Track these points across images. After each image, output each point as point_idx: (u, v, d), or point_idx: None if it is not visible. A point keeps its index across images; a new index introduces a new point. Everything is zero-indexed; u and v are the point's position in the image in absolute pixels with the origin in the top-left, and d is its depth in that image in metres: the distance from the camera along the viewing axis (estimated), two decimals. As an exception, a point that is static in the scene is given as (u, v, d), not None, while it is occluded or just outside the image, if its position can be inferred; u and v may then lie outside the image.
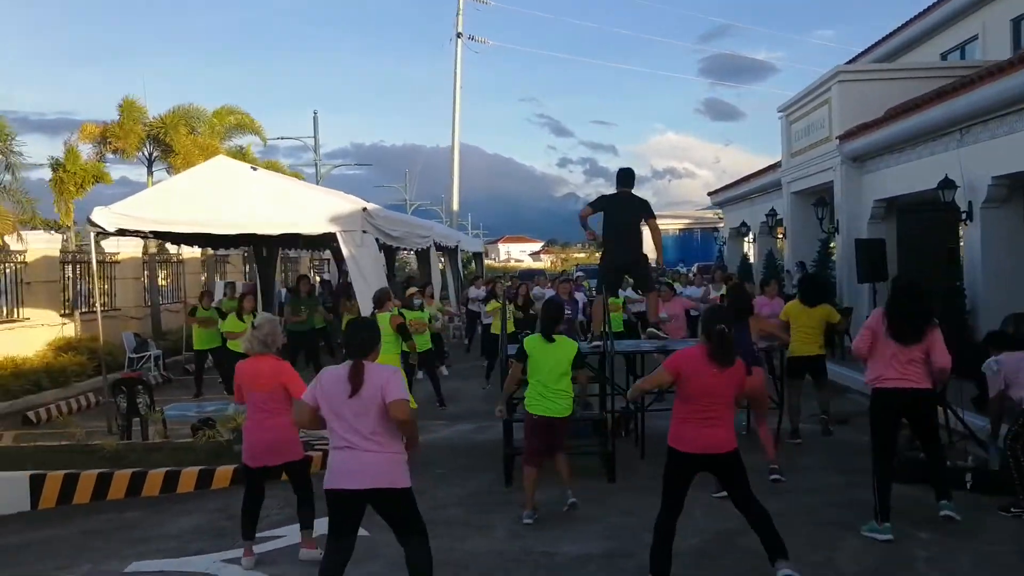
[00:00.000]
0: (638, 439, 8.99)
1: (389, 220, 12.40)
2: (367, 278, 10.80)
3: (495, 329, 14.10)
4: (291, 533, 6.55)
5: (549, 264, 76.53)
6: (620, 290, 14.38)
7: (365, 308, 10.55)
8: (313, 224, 10.84)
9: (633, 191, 9.24)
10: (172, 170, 20.00)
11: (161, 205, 10.82)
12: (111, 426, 10.79)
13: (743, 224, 25.04)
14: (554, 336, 7.01)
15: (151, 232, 11.47)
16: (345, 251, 10.83)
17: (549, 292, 16.98)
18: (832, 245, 17.56)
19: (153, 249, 19.96)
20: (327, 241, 13.79)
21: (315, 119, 38.68)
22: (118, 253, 19.03)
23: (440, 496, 7.49)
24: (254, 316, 12.34)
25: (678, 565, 5.35)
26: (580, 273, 31.09)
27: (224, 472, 8.28)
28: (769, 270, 20.86)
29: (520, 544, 6.23)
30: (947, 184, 11.73)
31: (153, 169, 20.40)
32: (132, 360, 15.89)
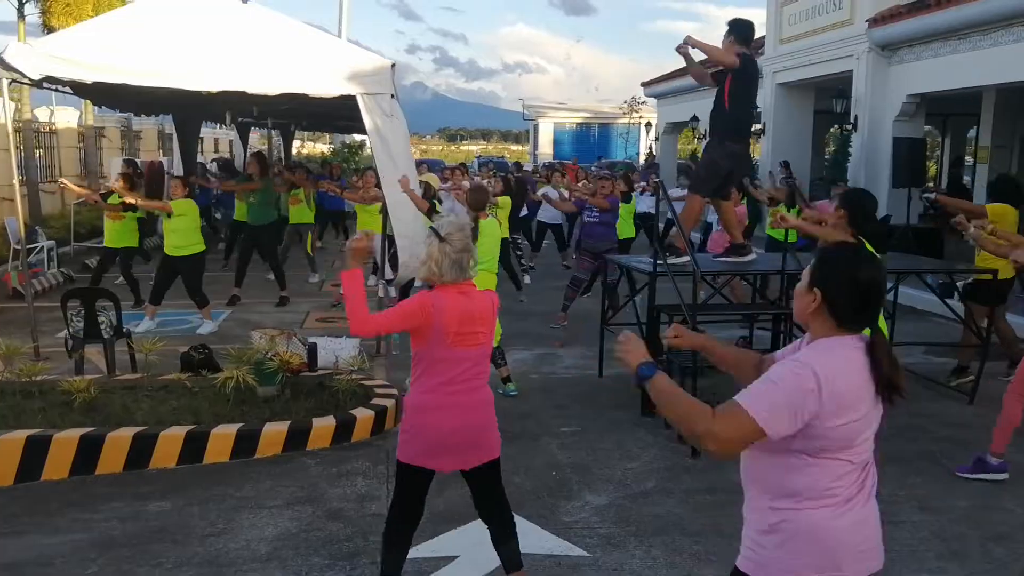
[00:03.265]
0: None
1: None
2: (396, 160, 8.15)
3: None
4: (457, 548, 4.24)
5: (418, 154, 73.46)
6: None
7: (396, 202, 8.06)
8: (326, 83, 7.98)
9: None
10: (49, 16, 15.98)
11: (109, 46, 7.68)
12: (38, 350, 7.95)
13: (694, 118, 23.19)
14: None
15: (91, 83, 8.25)
16: (369, 122, 8.08)
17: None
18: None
19: (28, 115, 16.12)
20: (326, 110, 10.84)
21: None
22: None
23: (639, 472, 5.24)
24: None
25: None
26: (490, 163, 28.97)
27: (274, 433, 5.74)
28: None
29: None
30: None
31: (25, 14, 16.24)
32: (19, 253, 12.53)
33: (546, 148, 42.09)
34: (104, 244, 10.65)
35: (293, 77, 8.00)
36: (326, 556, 4.28)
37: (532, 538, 4.46)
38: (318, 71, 8.02)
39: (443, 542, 4.41)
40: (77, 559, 4.29)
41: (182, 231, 9.19)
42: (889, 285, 8.50)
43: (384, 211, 8.63)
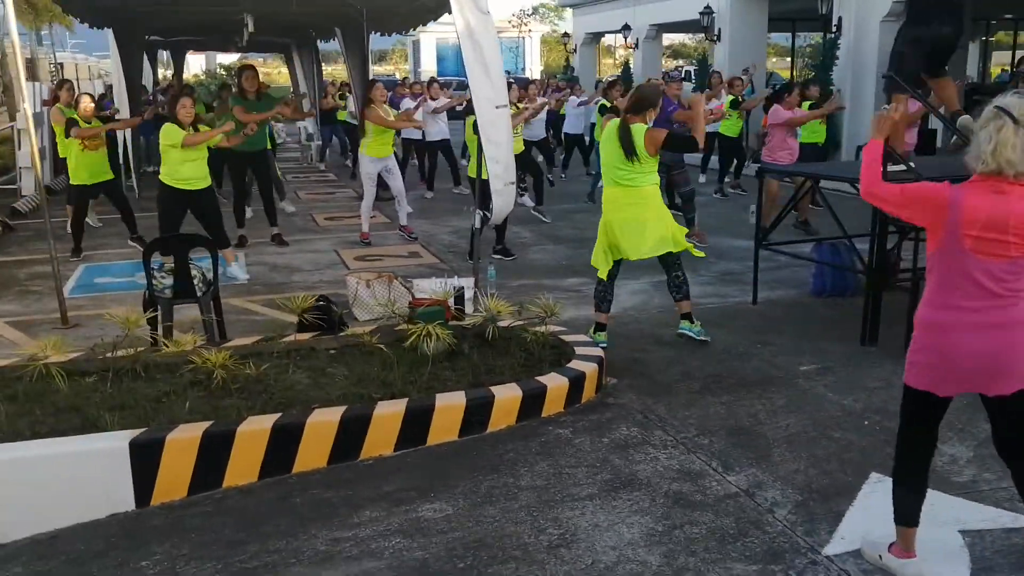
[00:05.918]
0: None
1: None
2: (489, 69, 6.90)
3: None
4: (848, 534, 3.37)
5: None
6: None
7: (489, 123, 6.85)
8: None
9: None
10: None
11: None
12: (65, 316, 6.45)
13: (625, 26, 22.30)
14: None
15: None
16: (460, 21, 6.76)
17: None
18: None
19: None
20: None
21: None
22: None
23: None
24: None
25: None
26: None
27: (509, 400, 4.62)
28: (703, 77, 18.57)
29: None
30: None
31: None
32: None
33: (429, 65, 40.13)
34: (79, 183, 8.79)
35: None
36: (742, 559, 3.29)
37: (958, 509, 3.62)
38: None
39: (828, 525, 3.53)
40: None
41: (202, 159, 7.61)
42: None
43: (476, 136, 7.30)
